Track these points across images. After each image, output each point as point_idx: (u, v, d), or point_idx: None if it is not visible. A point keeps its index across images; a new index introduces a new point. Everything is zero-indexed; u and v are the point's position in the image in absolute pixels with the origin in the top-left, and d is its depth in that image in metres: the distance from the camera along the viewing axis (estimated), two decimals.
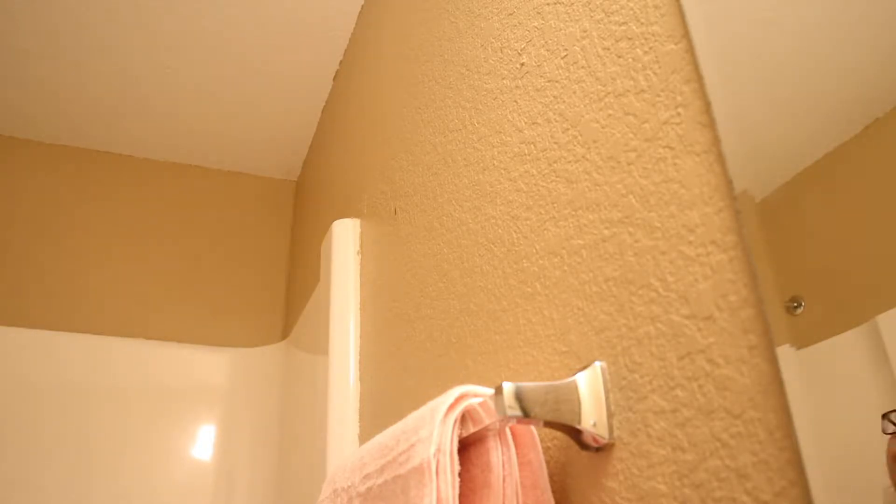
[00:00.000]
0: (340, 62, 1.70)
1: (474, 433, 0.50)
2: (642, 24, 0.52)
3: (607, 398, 0.49)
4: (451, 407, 0.48)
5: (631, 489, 0.46)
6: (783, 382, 0.36)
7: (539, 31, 0.68)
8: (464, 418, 0.50)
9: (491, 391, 0.49)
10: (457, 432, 0.48)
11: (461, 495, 0.50)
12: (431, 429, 0.47)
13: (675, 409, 0.43)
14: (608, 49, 0.56)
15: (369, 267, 1.16)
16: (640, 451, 0.46)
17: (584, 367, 0.51)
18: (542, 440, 0.55)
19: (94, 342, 1.69)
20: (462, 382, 0.72)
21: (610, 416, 0.49)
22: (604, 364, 0.50)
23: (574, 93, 0.60)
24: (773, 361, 0.37)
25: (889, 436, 0.32)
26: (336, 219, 1.22)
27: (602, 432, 0.48)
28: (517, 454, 0.50)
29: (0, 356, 1.59)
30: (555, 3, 0.66)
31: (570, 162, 0.59)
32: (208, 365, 1.77)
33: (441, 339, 0.82)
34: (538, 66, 0.67)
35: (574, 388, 0.48)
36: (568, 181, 0.59)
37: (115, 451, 1.55)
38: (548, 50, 0.66)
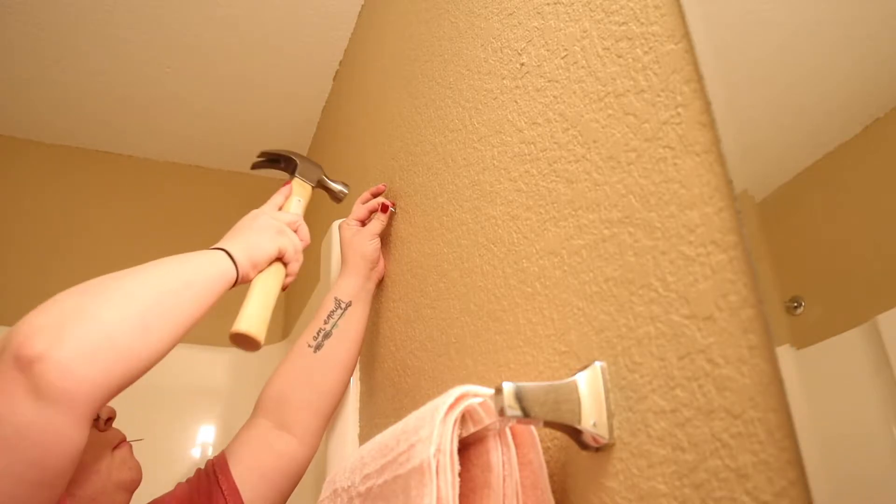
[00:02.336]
0: (340, 62, 1.70)
1: (474, 433, 0.50)
2: (642, 24, 0.52)
3: (607, 398, 0.49)
4: (451, 407, 0.48)
5: (631, 489, 0.46)
6: (783, 382, 0.36)
7: (539, 31, 0.68)
8: (464, 418, 0.50)
9: (491, 391, 0.49)
10: (457, 432, 0.48)
11: (461, 495, 0.50)
12: (431, 429, 0.47)
13: (675, 409, 0.43)
14: (608, 49, 0.56)
15: None
16: (640, 451, 0.46)
17: (584, 367, 0.51)
18: (542, 440, 0.55)
19: None
20: (462, 382, 0.72)
21: (610, 416, 0.49)
22: (604, 364, 0.50)
23: (574, 93, 0.60)
24: (773, 361, 0.37)
25: None
26: (336, 219, 1.22)
27: (602, 432, 0.48)
28: (517, 454, 0.50)
29: None
30: (555, 3, 0.66)
31: (570, 162, 0.59)
32: (208, 365, 1.77)
33: (441, 339, 0.82)
34: (538, 66, 0.67)
35: (574, 388, 0.48)
36: (568, 181, 0.59)
37: None
38: (548, 50, 0.66)
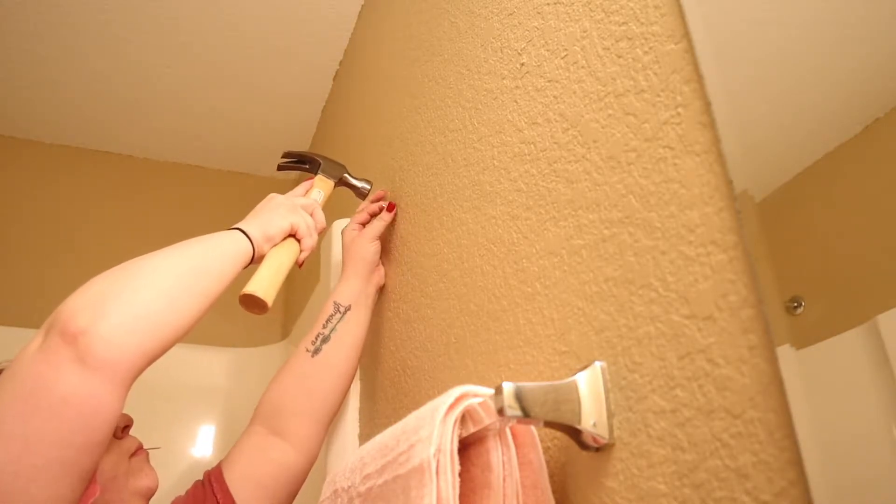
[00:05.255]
0: (340, 62, 1.70)
1: (474, 433, 0.50)
2: (642, 24, 0.52)
3: (607, 398, 0.49)
4: (452, 407, 0.48)
5: (631, 489, 0.46)
6: (783, 382, 0.36)
7: (539, 31, 0.68)
8: (464, 418, 0.50)
9: (491, 391, 0.49)
10: (457, 432, 0.48)
11: (461, 495, 0.50)
12: (431, 429, 0.47)
13: (675, 409, 0.43)
14: (608, 49, 0.56)
15: None
16: (640, 451, 0.46)
17: (584, 367, 0.51)
18: (542, 440, 0.55)
19: None
20: (462, 382, 0.72)
21: (610, 416, 0.49)
22: (604, 364, 0.50)
23: (574, 93, 0.60)
24: (773, 361, 0.37)
25: None
26: (336, 219, 1.22)
27: (602, 432, 0.48)
28: (517, 454, 0.50)
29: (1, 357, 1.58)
30: (555, 3, 0.66)
31: (570, 162, 0.59)
32: (208, 365, 1.77)
33: (441, 339, 0.82)
34: (538, 66, 0.67)
35: (574, 388, 0.48)
36: (568, 181, 0.59)
37: None
38: (548, 50, 0.66)
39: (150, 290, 0.64)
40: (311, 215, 0.91)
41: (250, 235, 0.80)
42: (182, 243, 0.73)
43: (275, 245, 0.84)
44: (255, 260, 0.81)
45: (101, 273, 0.65)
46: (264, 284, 0.80)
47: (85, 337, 0.57)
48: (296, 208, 0.89)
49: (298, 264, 0.87)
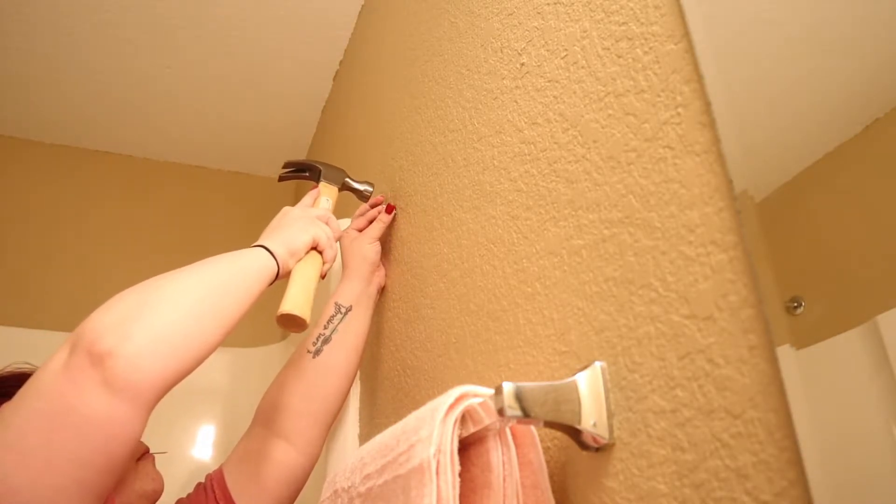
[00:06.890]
0: (340, 62, 1.70)
1: (474, 433, 0.50)
2: (642, 24, 0.52)
3: (607, 398, 0.49)
4: (452, 407, 0.48)
5: (631, 489, 0.46)
6: (783, 382, 0.36)
7: (539, 31, 0.68)
8: (464, 418, 0.50)
9: (491, 391, 0.49)
10: (457, 432, 0.48)
11: (461, 495, 0.50)
12: (431, 429, 0.47)
13: (675, 409, 0.43)
14: (608, 49, 0.56)
15: None
16: (640, 451, 0.46)
17: (584, 367, 0.51)
18: (542, 440, 0.55)
19: None
20: (462, 382, 0.72)
21: (610, 416, 0.49)
22: (604, 364, 0.50)
23: (574, 93, 0.60)
24: (773, 361, 0.37)
25: None
26: (336, 219, 1.22)
27: (602, 432, 0.48)
28: (517, 454, 0.50)
29: (1, 356, 1.58)
30: (555, 3, 0.66)
31: (570, 162, 0.59)
32: (208, 365, 1.76)
33: (441, 339, 0.82)
34: (538, 66, 0.67)
35: (574, 388, 0.48)
36: (568, 181, 0.59)
37: None
38: (548, 50, 0.66)
39: (173, 311, 0.63)
40: (327, 224, 0.91)
41: (274, 253, 0.79)
42: (205, 261, 0.72)
43: (299, 260, 0.84)
44: (280, 276, 0.80)
45: (124, 288, 0.65)
46: (299, 302, 0.80)
47: (111, 359, 0.56)
48: (314, 220, 0.88)
49: (322, 276, 0.87)
